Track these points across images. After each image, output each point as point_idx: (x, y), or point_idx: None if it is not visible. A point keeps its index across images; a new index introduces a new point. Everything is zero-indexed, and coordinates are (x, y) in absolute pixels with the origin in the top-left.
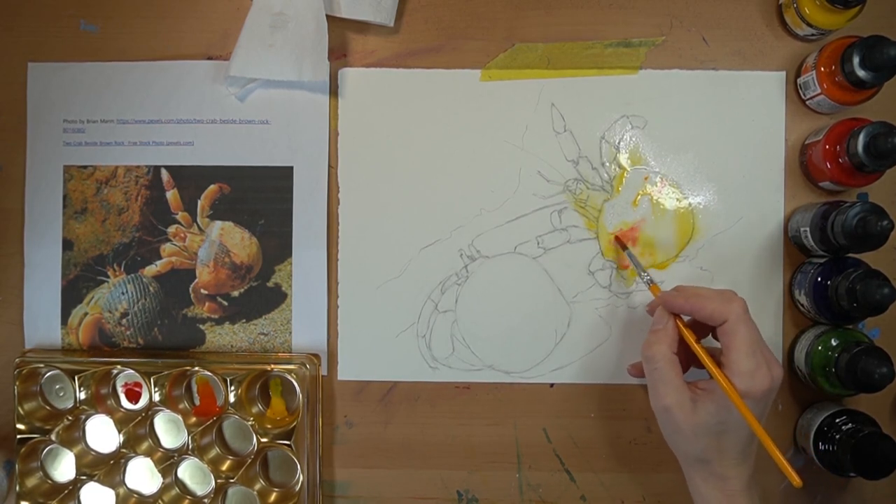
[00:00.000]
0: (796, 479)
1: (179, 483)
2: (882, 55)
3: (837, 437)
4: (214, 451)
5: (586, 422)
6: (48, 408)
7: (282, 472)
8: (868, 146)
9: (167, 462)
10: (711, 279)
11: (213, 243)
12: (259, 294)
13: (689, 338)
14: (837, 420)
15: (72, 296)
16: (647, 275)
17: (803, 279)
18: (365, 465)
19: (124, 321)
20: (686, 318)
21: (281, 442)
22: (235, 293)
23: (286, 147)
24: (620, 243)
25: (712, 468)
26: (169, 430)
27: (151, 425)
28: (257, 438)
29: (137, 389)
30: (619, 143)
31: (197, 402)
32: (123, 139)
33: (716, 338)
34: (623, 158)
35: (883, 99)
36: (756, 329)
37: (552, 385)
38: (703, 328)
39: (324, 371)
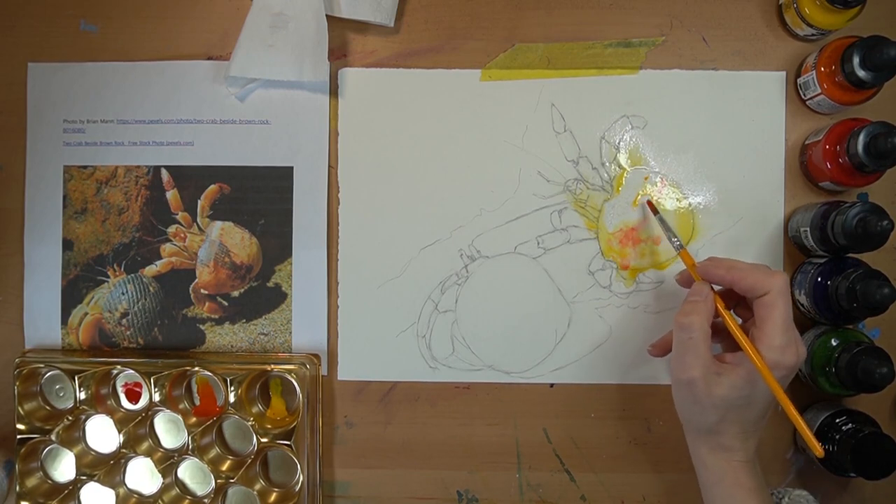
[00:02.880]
0: (818, 449)
1: (179, 483)
2: (882, 55)
3: (837, 437)
4: (214, 451)
5: (586, 422)
6: (48, 408)
7: (282, 472)
8: (868, 146)
9: (167, 462)
10: None
11: (213, 243)
12: (259, 294)
13: (723, 311)
14: (837, 420)
15: (72, 296)
16: (678, 239)
17: (803, 279)
18: (365, 465)
19: (124, 321)
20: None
21: (281, 442)
22: (235, 293)
23: (286, 147)
24: (652, 207)
25: (722, 440)
26: (169, 430)
27: (151, 425)
28: (257, 438)
29: (137, 389)
30: (619, 143)
31: (197, 402)
32: (123, 139)
33: (737, 313)
34: (623, 158)
35: (883, 99)
36: (791, 305)
37: (552, 385)
38: (728, 300)
39: (324, 371)
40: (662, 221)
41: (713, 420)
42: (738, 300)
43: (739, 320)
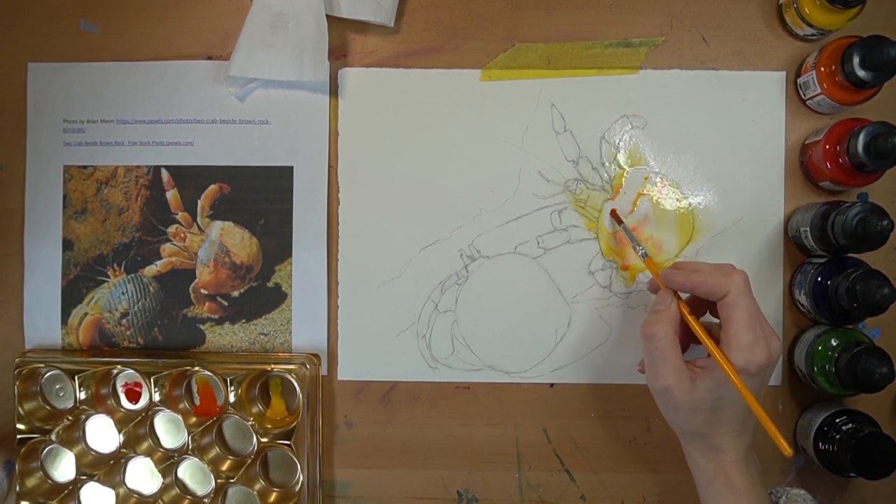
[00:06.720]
0: (787, 449)
1: (179, 483)
2: (882, 55)
3: (837, 437)
4: (214, 451)
5: (586, 422)
6: (48, 408)
7: (282, 472)
8: (868, 146)
9: (167, 462)
10: None
11: (213, 243)
12: (259, 294)
13: (688, 316)
14: (837, 420)
15: (72, 296)
16: (642, 248)
17: (803, 279)
18: (365, 465)
19: (124, 321)
20: (684, 296)
21: (281, 442)
22: (235, 293)
23: (286, 147)
24: (616, 217)
25: (709, 441)
26: (169, 430)
27: (151, 425)
28: (257, 438)
29: (137, 389)
30: (619, 143)
31: (197, 402)
32: (123, 139)
33: (714, 315)
34: (623, 158)
35: (883, 99)
36: (755, 303)
37: (552, 385)
38: (702, 306)
39: (324, 371)
40: (626, 230)
41: (697, 423)
42: (710, 305)
43: (715, 321)
